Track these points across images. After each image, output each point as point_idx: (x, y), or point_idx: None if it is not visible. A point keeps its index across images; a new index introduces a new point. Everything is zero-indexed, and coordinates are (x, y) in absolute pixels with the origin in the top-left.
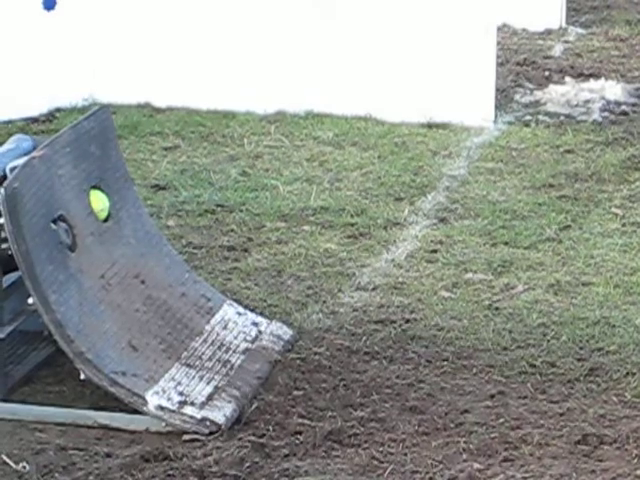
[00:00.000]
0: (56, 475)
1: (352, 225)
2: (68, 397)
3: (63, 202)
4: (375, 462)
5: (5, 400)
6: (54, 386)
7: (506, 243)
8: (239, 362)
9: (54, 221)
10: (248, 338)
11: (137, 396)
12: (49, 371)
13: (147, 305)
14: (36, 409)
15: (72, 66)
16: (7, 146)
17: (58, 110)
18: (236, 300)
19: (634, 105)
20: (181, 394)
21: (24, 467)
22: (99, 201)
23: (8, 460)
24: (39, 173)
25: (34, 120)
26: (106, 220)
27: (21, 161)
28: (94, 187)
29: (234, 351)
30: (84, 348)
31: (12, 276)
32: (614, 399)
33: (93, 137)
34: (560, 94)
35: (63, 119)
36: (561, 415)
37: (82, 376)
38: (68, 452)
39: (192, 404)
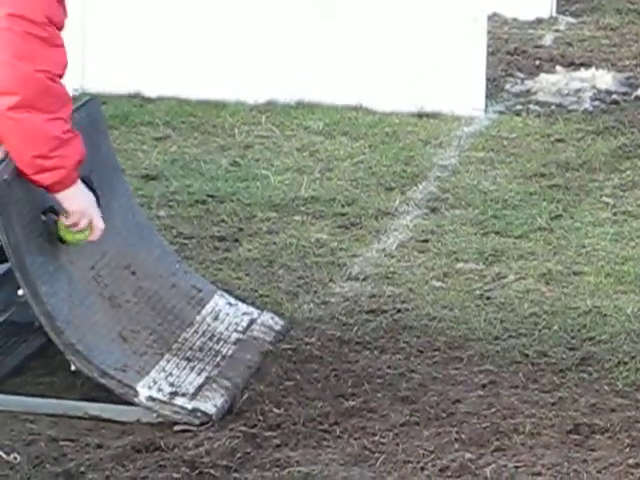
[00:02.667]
0: (47, 466)
1: (343, 215)
2: (59, 388)
3: None
4: (367, 452)
5: None
6: (45, 377)
7: (497, 232)
8: (230, 352)
9: (44, 212)
10: (239, 329)
11: (128, 387)
12: (40, 362)
13: (138, 296)
14: (27, 400)
15: None
16: None
17: None
18: (227, 290)
19: (625, 94)
20: (172, 385)
21: (15, 458)
22: None
23: None
24: None
25: None
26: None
27: None
28: None
29: (225, 342)
30: (74, 339)
31: (2, 267)
32: (606, 388)
33: (83, 128)
34: (551, 83)
35: None
36: (553, 404)
37: (73, 368)
38: (59, 443)
39: (183, 395)
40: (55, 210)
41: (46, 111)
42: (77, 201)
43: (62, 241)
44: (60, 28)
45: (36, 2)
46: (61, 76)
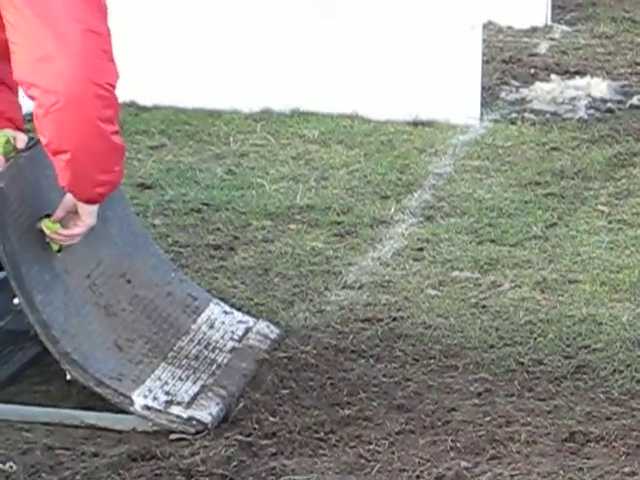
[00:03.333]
0: (43, 475)
1: (338, 223)
2: (55, 397)
3: (49, 202)
4: (362, 460)
5: None
6: (41, 386)
7: (492, 241)
8: (226, 361)
9: (40, 221)
10: (235, 337)
11: (123, 396)
12: (35, 371)
13: (133, 305)
14: (22, 409)
15: None
16: None
17: None
18: (222, 299)
19: (620, 102)
20: (167, 394)
21: (11, 467)
22: None
23: None
24: (25, 173)
25: None
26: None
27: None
28: None
29: (221, 350)
30: (70, 349)
31: None
32: (601, 396)
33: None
34: (546, 92)
35: None
36: (548, 413)
37: (68, 377)
38: (55, 452)
39: (178, 403)
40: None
41: (112, 123)
42: (94, 218)
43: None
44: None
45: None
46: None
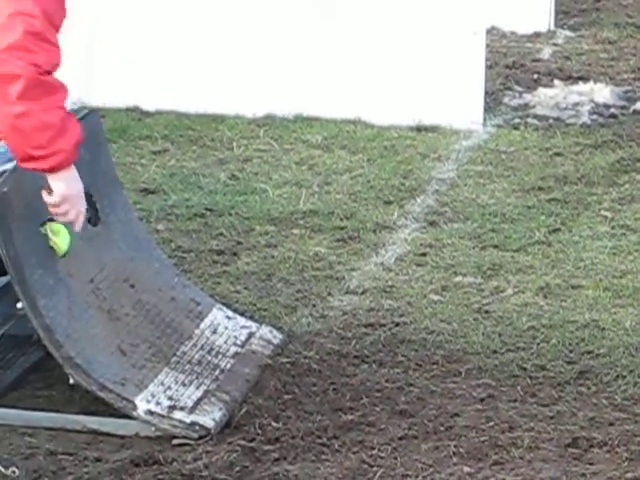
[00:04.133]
0: (45, 479)
1: (341, 229)
2: (58, 402)
3: None
4: (365, 466)
5: None
6: (43, 391)
7: (495, 246)
8: (229, 366)
9: (43, 225)
10: (238, 342)
11: (126, 401)
12: (38, 376)
13: (136, 309)
14: (25, 414)
15: (60, 70)
16: None
17: None
18: (225, 304)
19: (623, 108)
20: (170, 399)
21: (13, 472)
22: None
23: None
24: (29, 177)
25: None
26: (64, 256)
27: (10, 165)
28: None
29: (224, 355)
30: (73, 353)
31: (1, 280)
32: (604, 402)
33: (82, 141)
34: (549, 97)
35: None
36: (551, 418)
37: (71, 381)
38: (58, 457)
39: (181, 409)
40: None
41: (37, 102)
42: (64, 185)
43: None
44: (58, 28)
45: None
46: (50, 72)
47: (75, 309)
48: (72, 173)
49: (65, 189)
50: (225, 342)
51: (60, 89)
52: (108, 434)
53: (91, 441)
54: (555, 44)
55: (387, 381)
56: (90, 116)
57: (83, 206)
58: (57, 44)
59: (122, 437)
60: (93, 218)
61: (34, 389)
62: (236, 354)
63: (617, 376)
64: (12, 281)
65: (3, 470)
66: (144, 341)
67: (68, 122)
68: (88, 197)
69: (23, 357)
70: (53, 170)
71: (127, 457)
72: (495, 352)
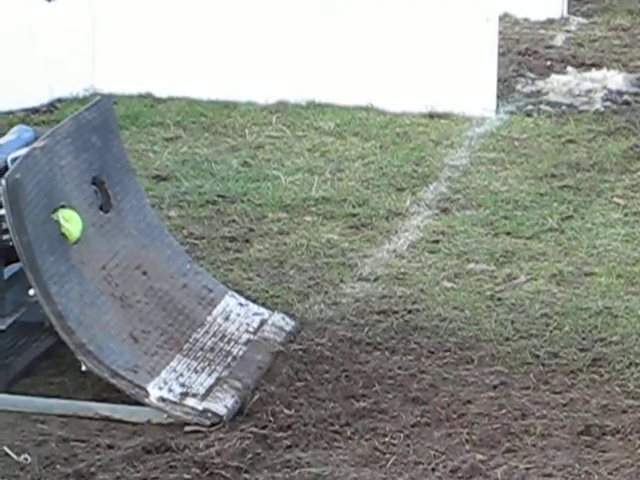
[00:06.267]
0: (58, 467)
1: (354, 215)
2: (69, 389)
3: (64, 193)
4: (377, 453)
5: (6, 392)
6: (55, 377)
7: (508, 233)
8: (241, 353)
9: (55, 212)
10: (250, 329)
11: (139, 388)
12: (50, 362)
13: (149, 296)
14: (37, 401)
15: (73, 56)
16: (8, 137)
17: (59, 100)
18: (238, 291)
19: (636, 95)
20: (183, 385)
21: (26, 459)
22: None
23: (10, 452)
24: (41, 164)
25: (35, 111)
26: (76, 242)
27: (23, 152)
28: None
29: (236, 342)
30: (85, 340)
31: (13, 267)
32: (617, 389)
33: (94, 128)
34: (562, 84)
35: (64, 109)
36: (564, 406)
37: (83, 368)
38: (70, 444)
39: (194, 395)
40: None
41: None
42: None
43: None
44: None
45: None
46: None
47: (87, 296)
48: None
49: None
50: (237, 329)
51: None
52: (120, 421)
53: (103, 428)
54: (568, 31)
55: (399, 368)
56: (102, 103)
57: None
58: None
59: (134, 424)
60: (105, 205)
61: (46, 376)
62: (248, 341)
63: (630, 363)
64: (24, 268)
65: (15, 457)
66: (156, 328)
67: None
68: (100, 184)
69: (35, 344)
70: None
71: (139, 444)
72: (508, 339)
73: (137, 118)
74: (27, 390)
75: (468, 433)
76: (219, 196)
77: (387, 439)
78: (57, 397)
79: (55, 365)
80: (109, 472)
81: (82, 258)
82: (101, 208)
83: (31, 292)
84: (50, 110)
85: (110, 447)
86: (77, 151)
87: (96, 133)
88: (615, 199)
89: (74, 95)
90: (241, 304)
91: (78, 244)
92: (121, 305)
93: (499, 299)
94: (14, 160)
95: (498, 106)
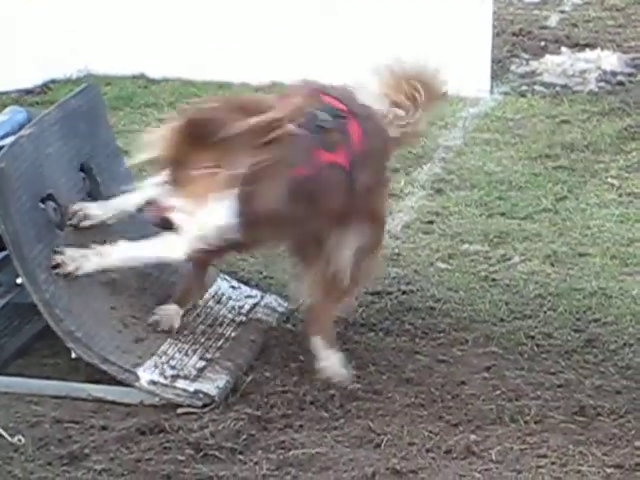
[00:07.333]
0: (51, 448)
1: None
2: (63, 370)
3: (52, 181)
4: (372, 434)
5: (0, 373)
6: (49, 359)
7: (502, 214)
8: (233, 335)
9: (43, 200)
10: (242, 311)
11: (129, 372)
12: (44, 344)
13: (139, 282)
14: (31, 382)
15: (66, 38)
16: (1, 118)
17: (53, 82)
18: (232, 272)
19: (630, 75)
20: (173, 368)
21: (19, 440)
22: None
23: (3, 433)
24: (27, 152)
25: (28, 92)
26: None
27: (7, 141)
28: None
29: (228, 324)
30: (74, 327)
31: (3, 253)
32: (611, 370)
33: (82, 114)
34: (556, 64)
35: (57, 91)
36: (558, 387)
37: (73, 355)
38: (63, 425)
39: (185, 377)
40: (54, 197)
41: None
42: None
43: None
44: None
45: None
46: None
47: (75, 283)
48: None
49: None
50: (229, 312)
51: None
52: (114, 402)
53: (97, 409)
54: (562, 11)
55: (393, 349)
56: (89, 89)
57: None
58: None
59: (128, 405)
60: (94, 191)
61: (40, 357)
62: (241, 323)
63: (624, 344)
64: (11, 256)
65: (9, 438)
66: (147, 313)
67: None
68: (89, 170)
69: (29, 325)
70: None
71: (133, 425)
72: (502, 320)
73: (131, 99)
74: (21, 371)
75: (462, 414)
76: None
77: (381, 420)
78: (51, 378)
79: (48, 346)
80: (103, 453)
81: (70, 245)
82: (89, 195)
83: (19, 280)
84: (44, 91)
85: (104, 428)
86: (64, 138)
87: (83, 120)
88: (609, 180)
89: (67, 76)
90: (233, 287)
91: (65, 231)
92: (111, 290)
93: (493, 280)
94: (0, 149)
95: (492, 87)
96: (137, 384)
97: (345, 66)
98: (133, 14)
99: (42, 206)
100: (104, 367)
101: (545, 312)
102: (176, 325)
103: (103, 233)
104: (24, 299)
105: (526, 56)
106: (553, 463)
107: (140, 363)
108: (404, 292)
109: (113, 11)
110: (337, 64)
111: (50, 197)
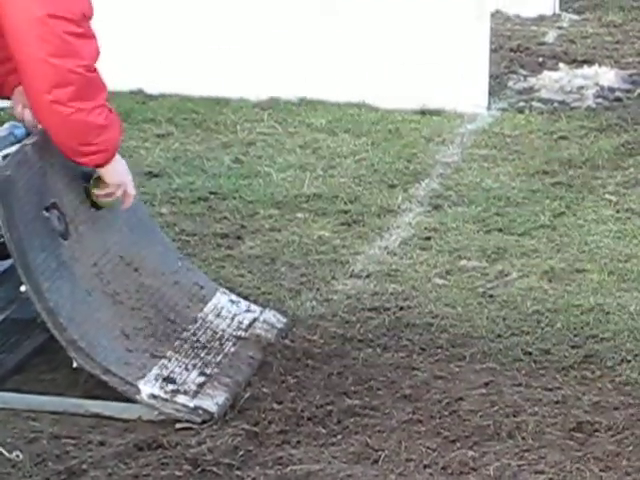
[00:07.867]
0: (49, 464)
1: (345, 212)
2: (61, 386)
3: (56, 190)
4: (369, 450)
5: None
6: (47, 374)
7: (500, 230)
8: (232, 350)
9: (47, 209)
10: (241, 326)
11: (130, 384)
12: (42, 359)
13: (140, 293)
14: (29, 398)
15: None
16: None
17: None
18: (230, 288)
19: (628, 91)
20: (174, 382)
21: (17, 456)
22: None
23: (1, 449)
24: (32, 160)
25: None
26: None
27: (12, 149)
28: None
29: (227, 339)
30: (76, 336)
31: (4, 264)
32: (609, 386)
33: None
34: (554, 80)
35: None
36: (556, 403)
37: (75, 364)
38: (61, 441)
39: (185, 393)
40: (58, 206)
41: (88, 102)
42: (115, 174)
43: (96, 206)
44: (91, 18)
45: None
46: (96, 69)
47: (78, 292)
48: (117, 163)
49: (115, 179)
50: (229, 326)
51: (104, 87)
52: (111, 418)
53: (95, 425)
54: (560, 27)
55: (391, 365)
56: None
57: (131, 184)
58: (94, 35)
59: (126, 421)
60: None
61: (38, 373)
62: (240, 338)
63: (622, 360)
64: (15, 264)
65: (7, 454)
66: (147, 325)
67: (111, 118)
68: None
69: (27, 340)
70: (98, 166)
71: (131, 441)
72: (499, 336)
73: (129, 115)
74: (19, 387)
75: (460, 430)
76: (211, 193)
77: (379, 436)
78: (49, 394)
79: (46, 362)
80: (101, 469)
81: (74, 254)
82: (92, 205)
83: (22, 288)
84: None
85: (101, 444)
86: None
87: None
88: (607, 196)
89: None
90: (232, 301)
91: (69, 240)
92: (112, 302)
93: (491, 296)
94: (5, 157)
95: (490, 103)
96: (138, 397)
97: (344, 80)
98: (131, 30)
99: (46, 215)
100: (105, 378)
101: (543, 328)
102: None
103: (106, 243)
104: (22, 314)
105: (524, 72)
106: (551, 479)
107: (141, 376)
108: (401, 308)
109: (110, 27)
110: (335, 77)
111: (54, 206)
